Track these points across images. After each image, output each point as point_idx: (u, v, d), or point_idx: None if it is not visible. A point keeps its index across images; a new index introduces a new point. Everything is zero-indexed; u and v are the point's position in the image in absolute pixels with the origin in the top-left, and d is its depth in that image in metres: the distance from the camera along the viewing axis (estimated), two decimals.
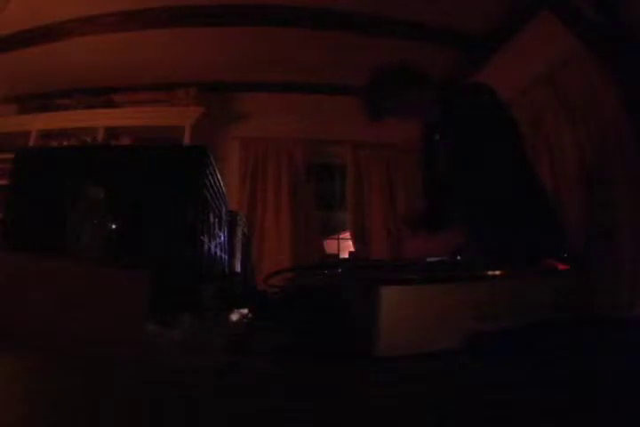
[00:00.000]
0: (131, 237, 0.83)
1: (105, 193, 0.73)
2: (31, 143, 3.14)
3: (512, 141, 1.34)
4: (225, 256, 1.27)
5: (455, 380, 0.40)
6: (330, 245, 3.65)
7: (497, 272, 0.50)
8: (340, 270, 0.66)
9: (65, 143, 3.24)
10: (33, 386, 0.37)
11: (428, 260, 0.64)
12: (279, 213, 3.39)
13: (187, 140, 3.16)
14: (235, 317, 0.89)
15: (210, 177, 0.99)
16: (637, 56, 2.00)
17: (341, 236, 3.75)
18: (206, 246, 0.97)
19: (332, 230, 3.79)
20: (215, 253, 1.10)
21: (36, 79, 3.24)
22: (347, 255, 3.12)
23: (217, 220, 1.12)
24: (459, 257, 0.62)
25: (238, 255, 1.58)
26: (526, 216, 1.26)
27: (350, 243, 3.50)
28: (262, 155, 3.51)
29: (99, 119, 3.26)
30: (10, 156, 1.00)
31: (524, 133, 1.45)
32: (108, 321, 0.54)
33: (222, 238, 1.22)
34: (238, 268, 1.58)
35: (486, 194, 1.27)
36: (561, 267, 0.55)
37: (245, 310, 0.93)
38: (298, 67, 3.23)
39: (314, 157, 3.61)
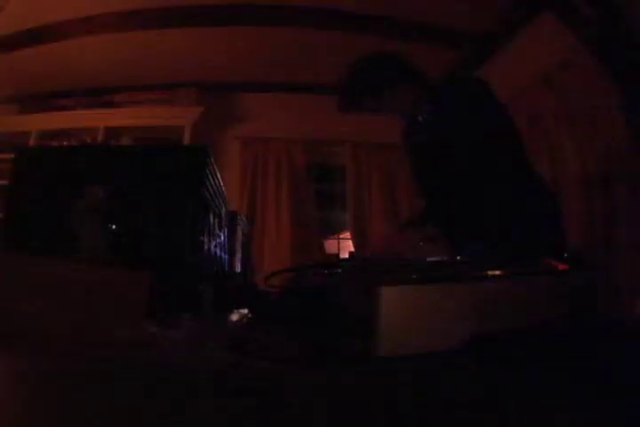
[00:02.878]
0: (131, 237, 0.83)
1: (105, 193, 0.73)
2: (31, 143, 3.14)
3: (511, 140, 1.33)
4: (225, 256, 1.27)
5: (455, 380, 0.40)
6: (330, 245, 3.65)
7: (497, 272, 0.50)
8: (339, 270, 0.66)
9: (65, 143, 3.25)
10: (33, 386, 0.37)
11: (428, 260, 0.64)
12: (279, 213, 3.39)
13: (187, 141, 3.16)
14: (235, 317, 0.89)
15: (210, 177, 0.99)
16: (637, 56, 2.00)
17: (341, 236, 3.75)
18: (206, 246, 0.97)
19: (332, 230, 3.79)
20: (215, 253, 1.10)
21: (36, 79, 3.24)
22: (347, 255, 3.12)
23: (217, 220, 1.12)
24: (458, 257, 0.62)
25: (238, 255, 1.58)
26: (526, 216, 1.26)
27: (350, 243, 3.50)
28: (262, 155, 3.51)
29: (99, 119, 3.26)
30: (10, 156, 1.00)
31: (521, 132, 1.42)
32: (108, 321, 0.54)
33: (222, 238, 1.22)
34: (238, 268, 1.58)
35: (485, 193, 1.27)
36: (561, 267, 0.55)
37: (245, 310, 0.93)
38: (298, 67, 3.24)
39: (314, 157, 3.61)
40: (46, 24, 2.69)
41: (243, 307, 0.94)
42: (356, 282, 0.52)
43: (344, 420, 0.30)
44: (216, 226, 1.11)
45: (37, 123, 3.25)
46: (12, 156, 0.97)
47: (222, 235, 1.22)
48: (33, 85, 3.31)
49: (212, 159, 1.00)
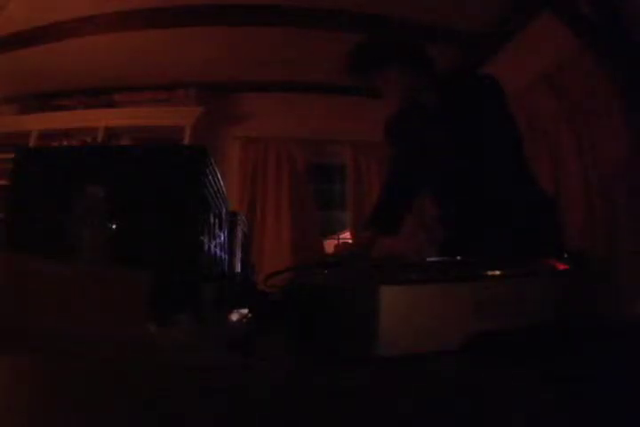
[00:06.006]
0: (131, 237, 0.83)
1: (105, 193, 0.73)
2: (31, 143, 3.14)
3: (513, 139, 1.32)
4: (225, 256, 1.27)
5: (455, 380, 0.40)
6: (330, 245, 3.65)
7: (497, 272, 0.50)
8: (339, 270, 0.66)
9: (65, 143, 3.25)
10: (33, 386, 0.37)
11: (428, 260, 0.64)
12: (279, 213, 3.39)
13: (187, 141, 3.16)
14: (235, 317, 0.89)
15: (210, 177, 0.99)
16: (637, 56, 2.00)
17: (341, 236, 3.75)
18: (206, 246, 0.97)
19: (332, 230, 3.79)
20: (215, 253, 1.10)
21: (36, 79, 3.24)
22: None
23: (217, 220, 1.12)
24: (458, 257, 0.62)
25: (238, 255, 1.58)
26: (526, 215, 1.26)
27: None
28: (262, 155, 3.51)
29: (99, 119, 3.26)
30: (10, 156, 1.00)
31: (522, 132, 1.41)
32: (108, 321, 0.54)
33: (222, 238, 1.22)
34: (238, 268, 1.59)
35: (485, 191, 1.27)
36: (561, 267, 0.55)
37: (245, 310, 0.93)
38: (298, 67, 3.23)
39: (314, 157, 3.60)
40: (46, 24, 2.69)
41: (243, 307, 0.94)
42: (355, 282, 0.52)
43: (344, 420, 0.30)
44: (216, 226, 1.11)
45: (37, 123, 3.25)
46: (12, 156, 0.97)
47: (222, 235, 1.22)
48: (33, 85, 3.31)
49: (212, 159, 1.00)
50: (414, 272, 0.51)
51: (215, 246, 1.09)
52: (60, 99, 3.40)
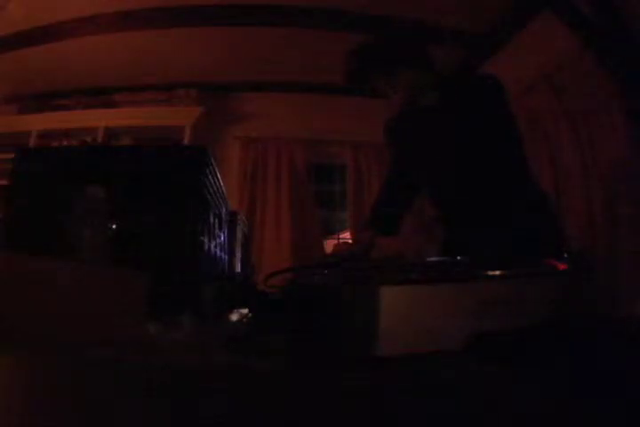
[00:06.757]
0: (131, 237, 0.83)
1: (105, 193, 0.73)
2: (31, 143, 3.14)
3: (513, 138, 1.32)
4: (225, 256, 1.27)
5: (455, 380, 0.40)
6: (330, 245, 3.65)
7: (497, 272, 0.50)
8: (339, 270, 0.66)
9: (65, 143, 3.25)
10: (33, 386, 0.37)
11: (428, 260, 0.64)
12: (279, 213, 3.39)
13: (187, 140, 3.16)
14: (235, 317, 0.89)
15: (210, 177, 0.99)
16: (637, 56, 2.00)
17: (341, 236, 3.75)
18: (206, 246, 0.97)
19: (332, 230, 3.79)
20: (215, 253, 1.10)
21: (36, 79, 3.24)
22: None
23: (217, 220, 1.12)
24: (459, 257, 0.62)
25: (238, 255, 1.58)
26: (526, 215, 1.26)
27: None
28: (262, 155, 3.51)
29: (99, 119, 3.26)
30: (10, 156, 1.00)
31: (522, 132, 1.41)
32: (108, 321, 0.54)
33: (222, 238, 1.22)
34: (238, 268, 1.59)
35: (485, 191, 1.26)
36: (561, 267, 0.55)
37: (245, 310, 0.93)
38: (298, 67, 3.23)
39: (314, 157, 3.60)
40: (46, 24, 2.69)
41: (243, 307, 0.94)
42: (356, 282, 0.52)
43: (344, 420, 0.30)
44: (216, 226, 1.11)
45: (37, 123, 3.25)
46: (12, 156, 0.97)
47: (222, 235, 1.22)
48: (33, 85, 3.31)
49: (212, 159, 1.00)
50: (414, 272, 0.51)
51: (215, 246, 1.09)
52: (60, 99, 3.40)
